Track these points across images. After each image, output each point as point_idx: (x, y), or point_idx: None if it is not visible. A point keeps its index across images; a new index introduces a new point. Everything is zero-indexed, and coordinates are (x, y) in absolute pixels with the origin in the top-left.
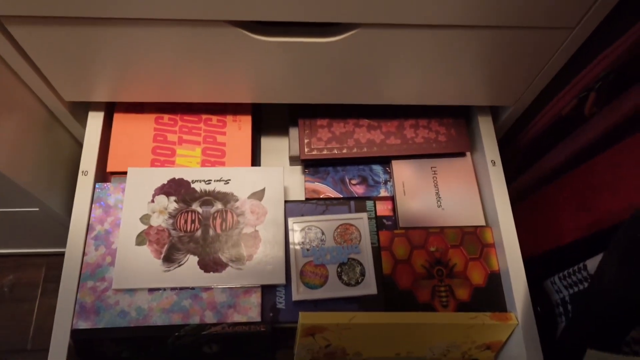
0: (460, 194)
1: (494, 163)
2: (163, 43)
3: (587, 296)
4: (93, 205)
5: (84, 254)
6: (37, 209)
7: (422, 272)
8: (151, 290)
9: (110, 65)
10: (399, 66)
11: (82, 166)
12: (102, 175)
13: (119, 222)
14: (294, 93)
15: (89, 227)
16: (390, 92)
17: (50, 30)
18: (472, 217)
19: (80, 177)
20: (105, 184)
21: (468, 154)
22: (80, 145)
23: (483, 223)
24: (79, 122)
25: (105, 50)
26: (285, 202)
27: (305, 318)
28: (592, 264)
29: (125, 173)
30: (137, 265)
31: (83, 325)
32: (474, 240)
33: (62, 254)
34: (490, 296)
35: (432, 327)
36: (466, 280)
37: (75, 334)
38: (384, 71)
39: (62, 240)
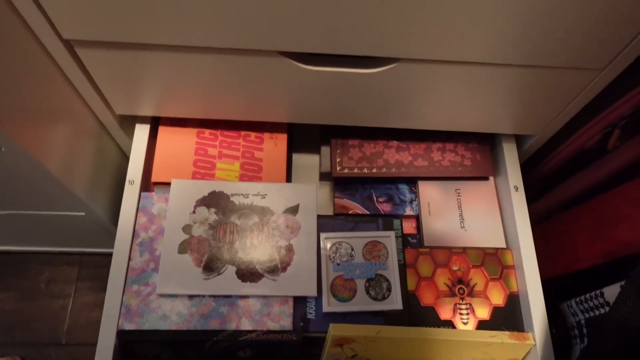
0: (482, 216)
1: (516, 189)
2: (212, 68)
3: (604, 325)
4: (138, 213)
5: (129, 259)
6: (83, 214)
7: (444, 289)
8: (191, 296)
9: (161, 86)
10: (432, 97)
11: (129, 176)
12: (147, 184)
13: (162, 230)
14: (329, 115)
15: (134, 234)
16: (420, 118)
17: (113, 54)
18: (494, 238)
19: (127, 186)
20: (149, 194)
21: (491, 177)
22: (124, 155)
23: (504, 245)
24: (126, 133)
25: (158, 72)
26: (317, 216)
27: (335, 329)
28: (610, 292)
29: (167, 184)
30: (179, 273)
31: (128, 326)
32: (495, 261)
33: (96, 254)
34: (509, 316)
35: (454, 343)
36: (486, 299)
37: (121, 334)
38: (416, 101)
39: (98, 241)
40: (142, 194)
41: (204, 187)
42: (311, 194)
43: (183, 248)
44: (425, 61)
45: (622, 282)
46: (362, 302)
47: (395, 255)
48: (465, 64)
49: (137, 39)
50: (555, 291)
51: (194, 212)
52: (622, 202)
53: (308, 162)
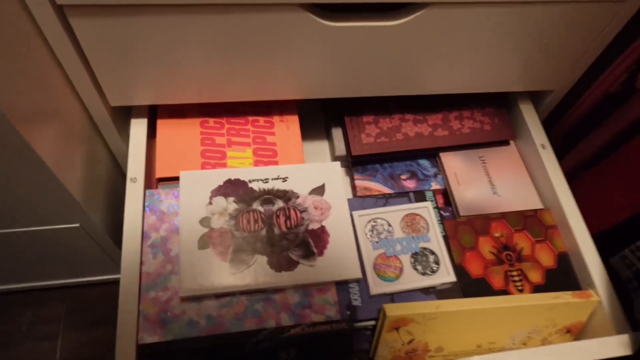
0: (512, 180)
1: (543, 147)
2: (219, 33)
3: None
4: (145, 213)
5: (141, 263)
6: (78, 225)
7: (491, 258)
8: (219, 296)
9: (160, 62)
10: (455, 50)
11: (130, 173)
12: (149, 183)
13: (175, 228)
14: (344, 86)
15: (143, 236)
16: (439, 81)
17: (109, 22)
18: (529, 201)
19: (128, 184)
20: (155, 190)
21: (512, 142)
22: (115, 161)
23: (541, 206)
24: (119, 132)
25: (157, 44)
26: None
27: (391, 310)
28: None
29: (173, 179)
30: (203, 270)
31: (150, 339)
32: (536, 223)
33: (87, 285)
34: (563, 277)
35: (516, 311)
36: (536, 262)
37: (144, 349)
38: (439, 56)
39: (90, 266)
40: (147, 191)
41: (218, 176)
42: (336, 172)
43: (204, 243)
44: (453, 4)
45: None
46: (410, 280)
47: (437, 226)
48: (490, 4)
49: None
50: (599, 249)
51: (210, 203)
52: None
53: (316, 149)
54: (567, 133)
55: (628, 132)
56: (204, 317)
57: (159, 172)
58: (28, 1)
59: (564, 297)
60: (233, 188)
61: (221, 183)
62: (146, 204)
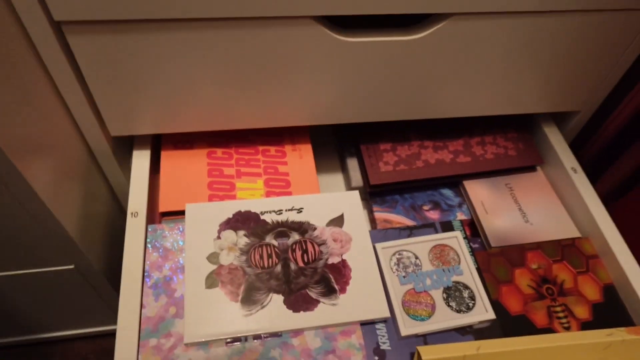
0: (544, 207)
1: (574, 170)
2: (228, 50)
3: None
4: (147, 250)
5: (141, 306)
6: (72, 267)
7: (530, 292)
8: (229, 342)
9: (164, 82)
10: (476, 67)
11: (131, 207)
12: (152, 218)
13: (179, 266)
14: (357, 111)
15: (144, 275)
16: (460, 103)
17: (109, 39)
18: (565, 229)
19: (129, 219)
20: (158, 225)
21: (538, 168)
22: (114, 197)
23: (578, 234)
24: (119, 165)
25: (160, 60)
26: None
27: (426, 353)
28: None
29: (178, 213)
30: (211, 312)
31: None
32: (575, 252)
33: (78, 337)
34: (613, 311)
35: (566, 351)
36: (581, 296)
37: None
38: (460, 75)
39: (82, 318)
40: (150, 226)
41: (227, 208)
42: (355, 201)
43: (212, 282)
44: (476, 14)
45: None
46: (444, 318)
47: (469, 257)
48: (515, 14)
49: (138, 13)
50: None
51: (218, 237)
52: None
53: (329, 182)
54: (596, 156)
55: None
56: None
57: (163, 206)
58: (23, 17)
59: (619, 334)
60: (243, 221)
61: (230, 216)
62: (148, 240)
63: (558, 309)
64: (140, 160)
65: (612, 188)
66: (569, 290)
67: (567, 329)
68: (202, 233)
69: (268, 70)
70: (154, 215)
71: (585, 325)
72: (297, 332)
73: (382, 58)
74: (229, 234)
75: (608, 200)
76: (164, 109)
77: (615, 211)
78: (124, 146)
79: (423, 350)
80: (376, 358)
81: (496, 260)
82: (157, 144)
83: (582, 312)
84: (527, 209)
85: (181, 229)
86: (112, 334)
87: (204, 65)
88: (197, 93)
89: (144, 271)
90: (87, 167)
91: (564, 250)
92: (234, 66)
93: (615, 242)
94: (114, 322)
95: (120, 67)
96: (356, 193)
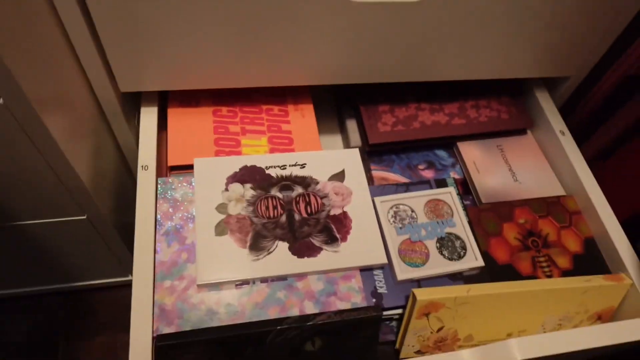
0: (532, 167)
1: (562, 133)
2: (234, 6)
3: None
4: (158, 201)
5: (155, 252)
6: (85, 217)
7: (517, 244)
8: (239, 285)
9: (172, 38)
10: (473, 32)
11: (141, 161)
12: (160, 172)
13: (190, 216)
14: (358, 72)
15: (156, 224)
16: (456, 66)
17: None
18: (551, 188)
19: (140, 172)
20: (168, 178)
21: (528, 131)
22: (122, 155)
23: (563, 192)
24: (127, 123)
25: (170, 16)
26: None
27: (421, 294)
28: None
29: (186, 167)
30: (221, 257)
31: (167, 330)
32: (560, 209)
33: (88, 289)
34: (592, 262)
35: (548, 295)
36: (563, 248)
37: (160, 340)
38: (457, 38)
39: (91, 270)
40: (159, 179)
41: (234, 163)
42: (355, 158)
43: (221, 229)
44: None
45: None
46: (437, 265)
47: (461, 211)
48: None
49: None
50: (627, 234)
51: (226, 189)
52: None
53: (328, 142)
54: (585, 120)
55: None
56: (224, 305)
57: (172, 160)
58: None
59: (597, 281)
60: (250, 174)
61: (237, 170)
62: (159, 192)
63: (542, 259)
64: (148, 115)
65: (598, 150)
66: (553, 243)
67: (549, 276)
68: (211, 185)
69: (273, 27)
70: (162, 170)
71: (565, 274)
72: (301, 277)
73: (385, 20)
74: (236, 187)
75: (594, 162)
76: (172, 65)
77: (600, 172)
78: (132, 105)
79: (418, 291)
80: (374, 300)
81: (486, 215)
82: (164, 103)
83: (564, 262)
84: (517, 168)
85: (190, 182)
86: (120, 286)
87: (212, 21)
88: (204, 50)
89: (155, 220)
90: (98, 123)
91: (550, 206)
92: (240, 22)
93: (597, 199)
94: (122, 274)
95: (132, 22)
96: (356, 151)
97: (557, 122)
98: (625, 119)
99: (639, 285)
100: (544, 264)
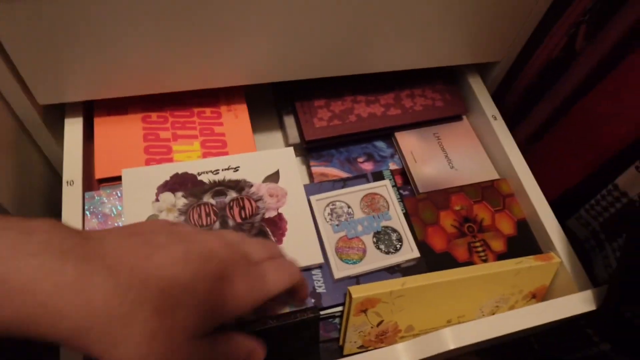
0: (468, 153)
1: (495, 118)
2: (155, 6)
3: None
4: (86, 217)
5: None
6: None
7: (453, 231)
8: None
9: (90, 44)
10: (403, 20)
11: (66, 176)
12: (89, 186)
13: None
14: (291, 68)
15: None
16: (387, 57)
17: (30, 6)
18: (485, 172)
19: (65, 188)
20: (95, 192)
21: (464, 117)
22: (52, 168)
23: (497, 176)
24: (53, 135)
25: (81, 24)
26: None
27: (356, 291)
28: (624, 180)
29: (115, 179)
30: None
31: None
32: (494, 193)
33: None
34: (524, 243)
35: (482, 280)
36: (497, 231)
37: None
38: (385, 30)
39: None
40: (86, 194)
41: (164, 171)
42: (289, 158)
43: None
44: None
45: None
46: (374, 260)
47: (397, 204)
48: None
49: None
50: (556, 213)
51: (157, 200)
52: (601, 102)
53: (269, 140)
54: (516, 103)
55: (572, 98)
56: None
57: (99, 173)
58: None
59: (527, 262)
60: (181, 182)
61: (168, 178)
62: (86, 207)
63: (477, 244)
64: (73, 127)
65: (530, 133)
66: (487, 227)
67: (485, 261)
68: (140, 197)
69: (200, 26)
70: (92, 183)
71: (500, 257)
72: None
73: (311, 13)
74: (167, 196)
75: (526, 145)
76: (93, 73)
77: (532, 154)
78: (56, 115)
79: (353, 289)
80: (312, 300)
81: (423, 204)
82: (90, 111)
83: (498, 245)
84: (453, 156)
85: (119, 195)
86: None
87: (129, 23)
88: (125, 56)
89: None
90: (18, 137)
91: (484, 191)
92: (163, 23)
93: (528, 181)
94: None
95: (41, 29)
96: (290, 150)
97: (489, 107)
98: (552, 101)
99: (567, 263)
100: (480, 249)
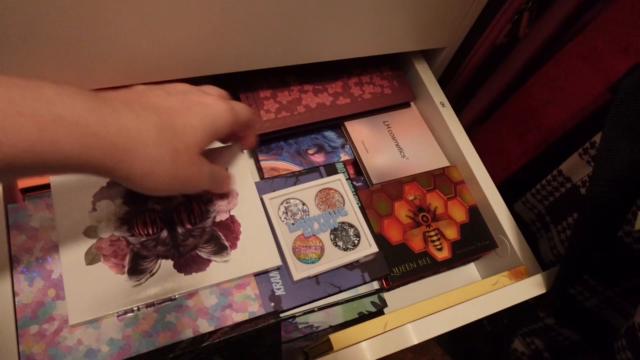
0: (418, 141)
1: (442, 104)
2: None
3: (594, 183)
4: (11, 232)
5: (14, 294)
6: None
7: (408, 222)
8: (121, 315)
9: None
10: (347, 7)
11: None
12: (12, 198)
13: (53, 246)
14: (232, 60)
15: (11, 260)
16: (332, 45)
17: None
18: (436, 160)
19: None
20: (20, 204)
21: (412, 104)
22: None
23: (447, 163)
24: None
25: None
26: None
27: (338, 342)
28: (568, 165)
29: (43, 187)
30: (96, 289)
31: None
32: (445, 180)
33: None
34: (476, 229)
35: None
36: (450, 219)
37: None
38: (329, 17)
39: None
40: (10, 206)
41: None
42: (237, 154)
43: (92, 257)
44: None
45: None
46: (333, 257)
47: (352, 198)
48: None
49: None
50: (503, 197)
51: (94, 209)
52: (543, 88)
53: None
54: (461, 89)
55: (514, 84)
56: (106, 342)
57: (23, 182)
58: None
59: (502, 282)
60: (120, 188)
61: (104, 184)
62: (10, 222)
63: (432, 233)
64: None
65: (474, 118)
66: (441, 216)
67: (440, 249)
68: (75, 206)
69: (136, 12)
70: (14, 194)
71: (454, 244)
72: (192, 294)
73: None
74: (105, 204)
75: (472, 130)
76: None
77: (475, 138)
78: None
79: (334, 338)
80: (272, 304)
81: (377, 196)
82: None
83: (452, 233)
84: (403, 144)
85: (49, 204)
86: None
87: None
88: (54, 41)
89: (10, 256)
90: None
91: (436, 179)
92: (93, 12)
93: (477, 168)
94: None
95: None
96: (237, 145)
97: (437, 94)
98: (495, 87)
99: (517, 248)
100: (435, 238)
